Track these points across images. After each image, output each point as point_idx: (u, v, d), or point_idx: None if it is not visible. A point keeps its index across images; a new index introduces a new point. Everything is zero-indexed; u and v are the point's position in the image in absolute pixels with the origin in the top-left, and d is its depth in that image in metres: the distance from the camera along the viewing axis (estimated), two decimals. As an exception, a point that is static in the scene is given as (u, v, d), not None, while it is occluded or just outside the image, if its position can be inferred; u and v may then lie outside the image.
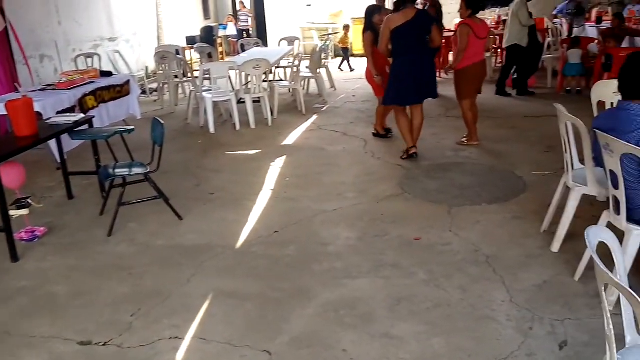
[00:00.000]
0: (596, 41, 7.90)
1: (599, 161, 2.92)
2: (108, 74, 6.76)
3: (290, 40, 10.08)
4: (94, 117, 4.90)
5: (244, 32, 16.26)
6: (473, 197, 4.33)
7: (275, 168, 5.41)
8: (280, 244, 3.73)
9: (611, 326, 1.66)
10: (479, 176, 4.80)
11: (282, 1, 14.22)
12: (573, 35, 8.30)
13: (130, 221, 4.21)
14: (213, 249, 3.70)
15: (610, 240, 1.85)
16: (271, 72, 8.55)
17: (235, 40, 16.11)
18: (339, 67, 11.36)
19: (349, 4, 13.44)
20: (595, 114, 4.19)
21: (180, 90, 9.20)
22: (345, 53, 11.47)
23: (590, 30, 9.11)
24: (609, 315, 1.67)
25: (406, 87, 5.12)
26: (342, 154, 5.74)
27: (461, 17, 5.67)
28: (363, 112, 7.56)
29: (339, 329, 2.73)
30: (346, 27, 12.13)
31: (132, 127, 4.61)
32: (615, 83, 4.23)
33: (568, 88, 7.73)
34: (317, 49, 8.31)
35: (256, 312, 2.92)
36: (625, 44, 7.53)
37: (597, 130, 2.73)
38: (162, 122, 4.12)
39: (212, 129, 6.86)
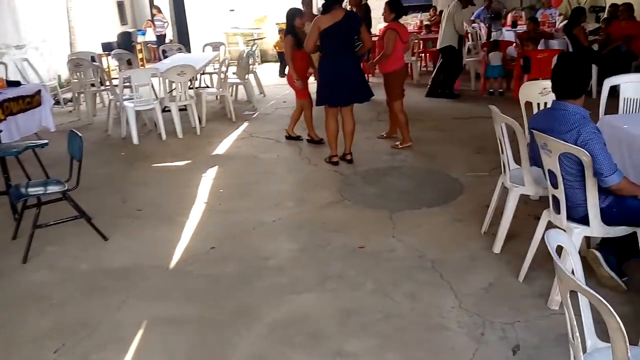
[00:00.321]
0: (514, 44, 8.25)
1: (535, 161, 2.96)
2: (16, 83, 6.19)
3: (215, 46, 9.79)
4: (1, 131, 4.44)
5: (162, 38, 15.74)
6: (412, 201, 4.31)
7: (207, 179, 5.16)
8: (218, 261, 3.52)
9: (577, 334, 1.61)
10: (416, 179, 4.81)
11: (204, 6, 13.83)
12: (492, 39, 8.61)
13: (49, 244, 3.83)
14: (144, 270, 3.42)
15: (567, 243, 1.82)
16: (196, 79, 8.24)
17: (155, 46, 15.54)
18: (282, 74, 10.91)
19: (273, 9, 13.29)
20: (524, 114, 4.30)
21: (98, 100, 8.66)
22: (281, 57, 11.24)
23: (507, 34, 9.52)
24: (574, 322, 1.62)
25: (335, 89, 5.05)
26: (277, 161, 5.58)
27: (385, 21, 5.74)
28: (295, 118, 7.42)
29: (288, 350, 2.57)
30: (281, 31, 11.95)
31: (45, 141, 4.21)
32: (540, 84, 4.42)
33: (491, 90, 8.01)
34: (245, 55, 8.09)
35: (197, 337, 2.70)
36: (541, 46, 7.90)
37: (534, 131, 2.75)
38: (80, 134, 3.78)
39: (135, 140, 6.47)
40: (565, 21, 10.10)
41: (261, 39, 12.98)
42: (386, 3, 5.66)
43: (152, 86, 7.01)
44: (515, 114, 6.80)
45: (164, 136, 6.60)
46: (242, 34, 13.36)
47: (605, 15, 8.09)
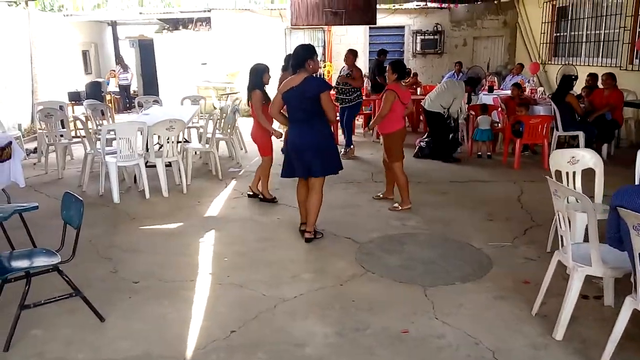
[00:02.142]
0: (499, 109, 8.30)
1: (614, 241, 2.70)
2: (-16, 134, 5.57)
3: (195, 100, 9.41)
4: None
5: (126, 89, 15.28)
6: (442, 273, 3.97)
7: (207, 245, 4.66)
8: (243, 349, 3.01)
9: None
10: (437, 248, 4.48)
11: (174, 58, 13.49)
12: (481, 103, 8.64)
13: (34, 326, 3.23)
14: (158, 362, 2.87)
15: None
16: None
17: (118, 97, 15.01)
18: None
19: (246, 64, 13.12)
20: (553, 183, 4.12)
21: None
22: None
23: (485, 98, 9.64)
24: None
25: (289, 159, 4.65)
26: (279, 225, 5.14)
27: (387, 82, 5.65)
28: (285, 177, 7.04)
29: None
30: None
31: (35, 204, 3.65)
32: (568, 152, 4.28)
33: (479, 153, 7.95)
34: (229, 110, 7.74)
35: None
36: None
37: (623, 209, 2.50)
38: (80, 198, 3.26)
39: (116, 198, 5.90)
40: (542, 88, 10.47)
41: (235, 93, 12.71)
42: (390, 64, 5.62)
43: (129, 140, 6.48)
44: (510, 178, 6.76)
45: (147, 194, 6.05)
46: (214, 87, 13.06)
47: (584, 84, 8.31)
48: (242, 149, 8.71)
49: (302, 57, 4.41)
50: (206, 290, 3.77)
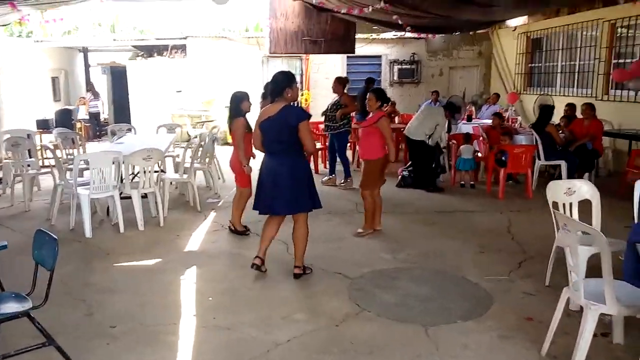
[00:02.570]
0: (480, 138, 8.30)
1: (631, 277, 2.58)
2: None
3: (171, 128, 9.14)
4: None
5: (96, 116, 14.91)
6: (441, 311, 3.78)
7: (188, 283, 4.38)
8: (237, 402, 2.75)
9: None
10: (433, 284, 4.30)
11: (149, 85, 13.22)
12: (465, 132, 8.60)
13: (-1, 382, 2.88)
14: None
15: None
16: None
17: (88, 124, 14.59)
18: None
19: (221, 91, 12.96)
20: (555, 216, 4.02)
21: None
22: None
23: (465, 127, 9.66)
24: None
25: (259, 193, 4.38)
26: (265, 260, 4.88)
27: (370, 109, 5.60)
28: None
29: None
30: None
31: (4, 243, 3.33)
32: (563, 184, 4.20)
33: (462, 182, 7.89)
34: (208, 138, 7.51)
35: None
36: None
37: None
38: (55, 236, 2.98)
39: (88, 233, 5.57)
40: (519, 118, 10.59)
41: (210, 121, 12.49)
42: (371, 92, 5.63)
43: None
44: (496, 209, 6.66)
45: (122, 228, 5.74)
46: (189, 115, 12.81)
47: (562, 114, 8.41)
48: (219, 178, 8.45)
49: (281, 84, 4.19)
50: (190, 335, 3.49)
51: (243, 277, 4.48)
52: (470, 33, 12.85)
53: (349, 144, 8.67)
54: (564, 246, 3.09)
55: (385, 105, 5.71)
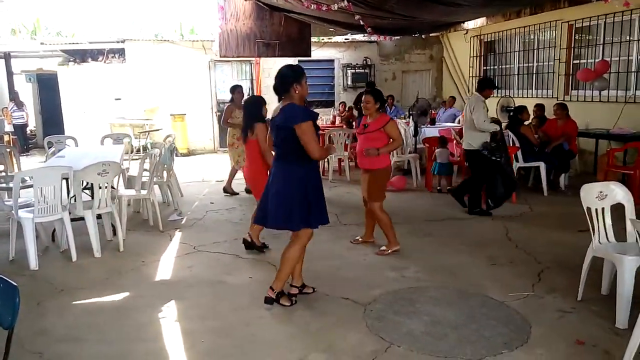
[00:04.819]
0: (454, 141, 7.97)
1: None
2: None
3: (118, 138, 8.16)
4: None
5: (21, 129, 13.49)
6: (480, 341, 3.25)
7: (170, 322, 3.61)
8: None
9: None
10: (457, 306, 3.77)
11: (84, 93, 12.00)
12: (439, 136, 8.20)
13: None
14: None
15: None
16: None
17: (15, 137, 13.12)
18: None
19: (165, 99, 12.02)
20: (590, 223, 3.63)
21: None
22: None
23: (429, 131, 9.33)
24: None
25: (262, 202, 3.88)
26: (255, 287, 4.16)
27: (369, 112, 4.94)
28: (239, 223, 6.09)
29: None
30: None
31: None
32: (595, 187, 3.83)
33: (439, 187, 7.50)
34: (165, 148, 6.67)
35: None
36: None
37: None
38: (14, 283, 2.19)
39: (33, 264, 4.64)
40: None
41: (155, 130, 11.51)
42: (369, 94, 4.95)
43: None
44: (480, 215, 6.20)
45: (74, 256, 4.84)
46: (131, 124, 11.75)
47: (532, 115, 8.25)
48: (180, 193, 7.60)
49: (288, 80, 3.61)
50: (191, 393, 2.76)
51: (236, 309, 3.77)
52: (422, 37, 12.64)
53: None
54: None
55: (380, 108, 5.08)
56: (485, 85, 6.25)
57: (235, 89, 7.57)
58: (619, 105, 8.05)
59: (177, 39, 12.51)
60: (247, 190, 7.49)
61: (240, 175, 7.45)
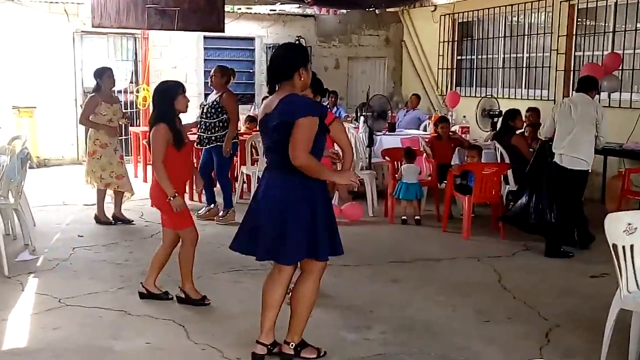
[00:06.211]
0: (424, 155, 8.21)
1: None
2: None
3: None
4: None
5: None
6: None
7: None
8: None
9: None
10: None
11: None
12: (406, 147, 8.38)
13: None
14: None
15: None
16: None
17: None
18: None
19: (4, 85, 11.63)
20: (617, 265, 3.84)
21: None
22: None
23: (387, 141, 9.56)
24: None
25: (242, 222, 4.06)
26: (157, 355, 4.07)
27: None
28: (124, 265, 5.96)
29: None
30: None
31: None
32: (622, 217, 4.07)
33: (404, 217, 7.69)
34: (15, 156, 6.40)
35: None
36: (455, 160, 7.98)
37: None
38: None
39: None
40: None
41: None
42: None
43: None
44: (469, 254, 6.54)
45: None
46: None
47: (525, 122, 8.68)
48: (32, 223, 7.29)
49: (292, 63, 3.70)
50: None
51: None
52: (377, 12, 13.03)
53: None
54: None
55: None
56: (594, 86, 6.63)
57: (104, 73, 7.50)
58: (634, 112, 8.63)
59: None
60: (118, 219, 7.56)
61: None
